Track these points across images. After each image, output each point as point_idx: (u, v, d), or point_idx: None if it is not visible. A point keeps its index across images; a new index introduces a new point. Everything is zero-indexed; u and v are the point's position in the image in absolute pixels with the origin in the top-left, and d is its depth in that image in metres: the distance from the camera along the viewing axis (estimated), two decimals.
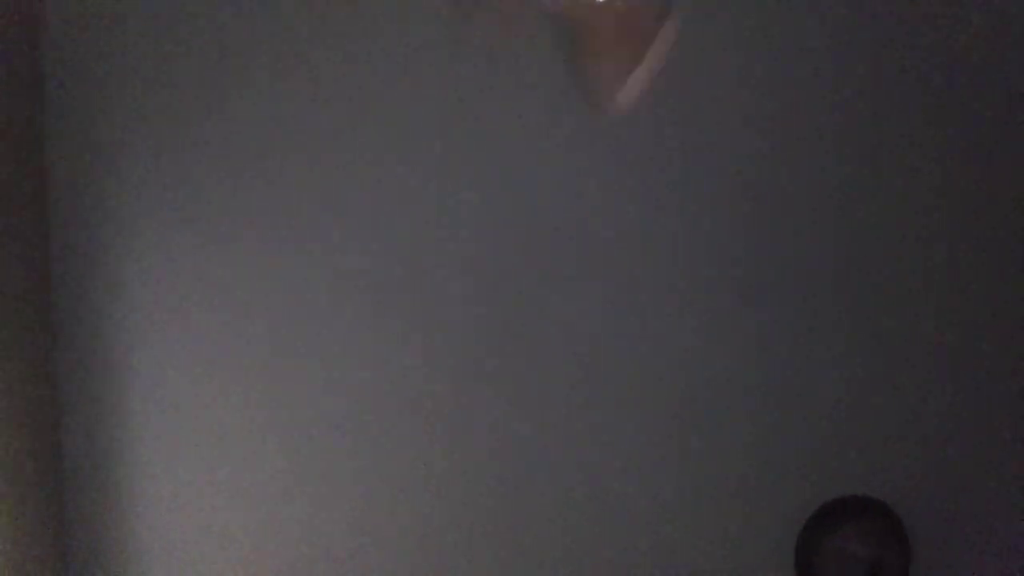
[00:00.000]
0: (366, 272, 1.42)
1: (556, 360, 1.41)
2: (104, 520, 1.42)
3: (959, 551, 1.40)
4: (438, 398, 1.42)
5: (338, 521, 1.43)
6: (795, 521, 1.41)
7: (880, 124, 1.40)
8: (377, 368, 1.42)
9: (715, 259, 1.40)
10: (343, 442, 1.43)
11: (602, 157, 1.41)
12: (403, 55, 1.39)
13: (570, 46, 0.97)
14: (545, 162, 1.41)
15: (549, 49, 1.36)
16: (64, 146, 1.39)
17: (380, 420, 1.42)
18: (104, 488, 1.42)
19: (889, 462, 1.41)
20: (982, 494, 1.41)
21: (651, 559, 1.42)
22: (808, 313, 1.41)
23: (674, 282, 1.40)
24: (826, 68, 1.40)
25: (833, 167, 1.40)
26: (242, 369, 1.42)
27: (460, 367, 1.41)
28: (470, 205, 1.41)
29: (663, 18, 0.92)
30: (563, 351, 1.41)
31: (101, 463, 1.42)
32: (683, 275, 1.40)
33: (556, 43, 1.35)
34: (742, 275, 1.40)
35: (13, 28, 1.30)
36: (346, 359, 1.42)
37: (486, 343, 1.41)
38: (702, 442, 1.41)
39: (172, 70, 1.39)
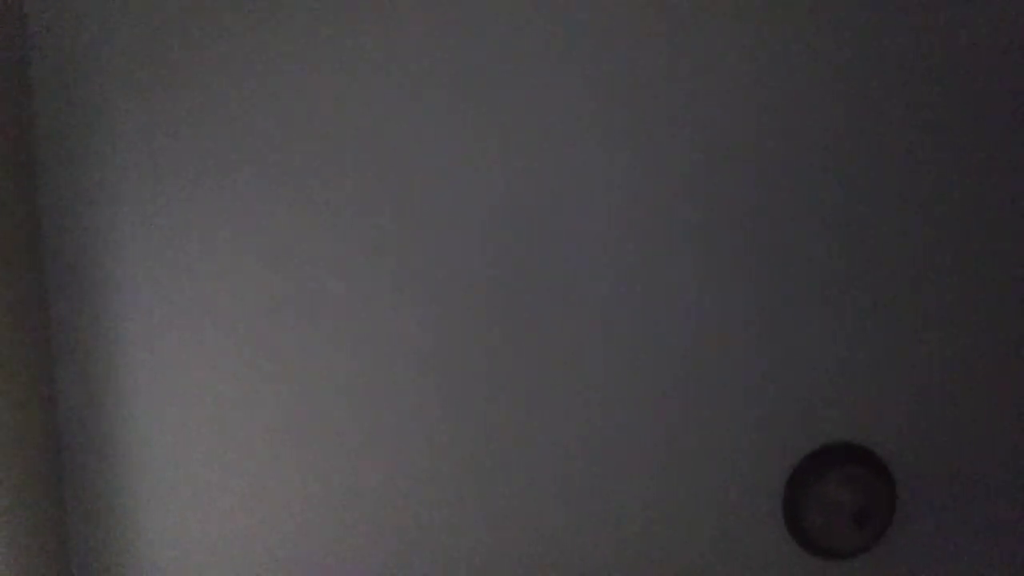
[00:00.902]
0: (372, 263, 1.42)
1: (557, 330, 1.42)
2: (105, 517, 1.42)
3: (945, 497, 1.44)
4: (444, 392, 1.42)
5: (342, 515, 1.44)
6: (783, 471, 1.43)
7: (882, 110, 1.41)
8: (384, 358, 1.42)
9: (720, 217, 1.41)
10: (349, 436, 1.43)
11: (607, 147, 1.41)
12: (407, 40, 1.39)
13: None
14: (550, 153, 1.41)
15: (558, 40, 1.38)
16: (55, 138, 1.39)
17: (387, 412, 1.43)
18: (105, 480, 1.42)
19: (877, 410, 1.42)
20: (969, 442, 1.44)
21: (638, 514, 1.44)
22: (796, 262, 1.42)
23: (674, 240, 1.41)
24: (830, 67, 1.40)
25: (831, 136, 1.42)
26: (244, 357, 1.42)
27: (465, 351, 1.42)
28: (471, 191, 1.41)
29: None
30: (563, 320, 1.42)
31: (101, 453, 1.42)
32: (684, 232, 1.41)
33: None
34: (744, 231, 1.41)
35: None
36: (354, 352, 1.42)
37: (490, 324, 1.42)
38: (688, 395, 1.42)
39: (170, 69, 1.39)
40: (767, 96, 1.41)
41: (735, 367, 1.43)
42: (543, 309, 1.43)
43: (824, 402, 1.43)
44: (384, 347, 1.43)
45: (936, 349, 1.44)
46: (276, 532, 1.44)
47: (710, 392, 1.44)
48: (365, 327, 1.43)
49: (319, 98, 1.39)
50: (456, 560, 1.47)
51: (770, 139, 1.41)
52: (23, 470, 1.33)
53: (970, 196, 1.42)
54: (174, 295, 1.41)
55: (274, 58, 1.38)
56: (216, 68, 1.39)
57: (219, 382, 1.42)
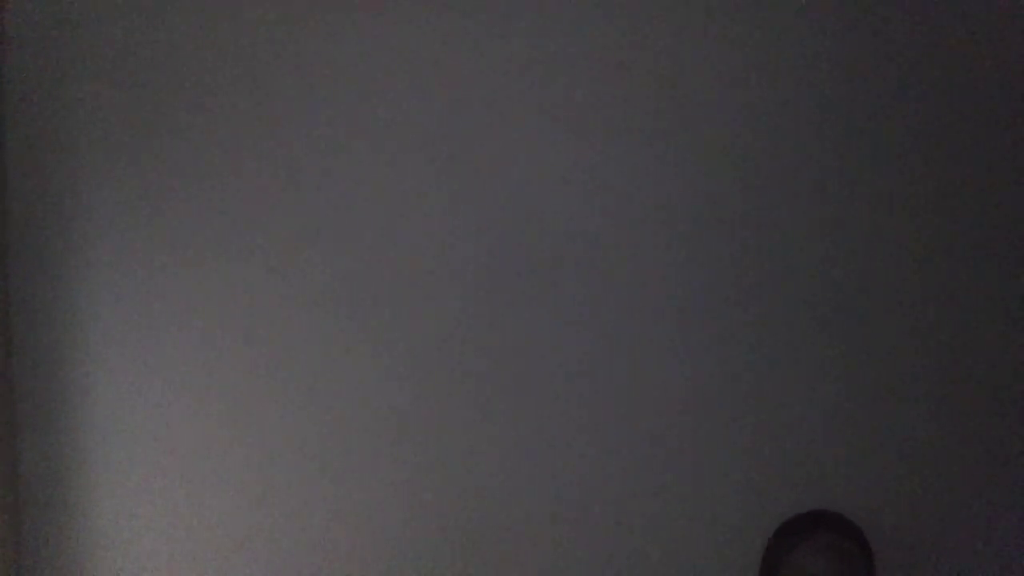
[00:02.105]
0: (347, 279, 1.40)
1: (539, 368, 1.40)
2: (61, 540, 1.39)
3: (923, 567, 1.43)
4: (423, 410, 1.40)
5: (311, 539, 1.41)
6: (759, 538, 1.42)
7: (878, 118, 1.40)
8: (356, 381, 1.40)
9: (697, 271, 1.41)
10: (319, 457, 1.41)
11: (596, 157, 1.39)
12: (395, 51, 1.36)
13: None
14: (535, 165, 1.39)
15: (551, 49, 1.36)
16: (22, 150, 1.35)
17: (359, 436, 1.40)
18: (63, 506, 1.39)
19: (853, 478, 1.42)
20: (947, 511, 1.43)
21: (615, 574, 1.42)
22: (779, 329, 1.42)
23: (649, 289, 1.40)
24: (823, 69, 1.39)
25: (825, 176, 1.41)
26: (211, 378, 1.39)
27: (445, 375, 1.40)
28: (455, 210, 1.39)
29: None
30: (546, 359, 1.40)
31: (60, 479, 1.38)
32: (659, 283, 1.40)
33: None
34: (723, 287, 1.41)
35: None
36: (325, 370, 1.40)
37: (472, 349, 1.40)
38: (664, 466, 1.41)
39: (142, 73, 1.35)
40: (765, 107, 1.39)
41: (712, 438, 1.42)
42: (528, 344, 1.39)
43: (800, 471, 1.42)
44: (364, 358, 1.39)
45: (913, 417, 1.43)
46: (243, 553, 1.41)
47: (689, 458, 1.42)
48: (349, 353, 1.38)
49: (305, 111, 1.36)
50: None
51: (762, 156, 1.40)
52: None
53: (954, 241, 1.41)
54: (144, 310, 1.37)
55: (255, 69, 1.35)
56: (192, 77, 1.36)
57: (192, 401, 1.38)
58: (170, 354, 1.37)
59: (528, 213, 1.39)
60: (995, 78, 1.40)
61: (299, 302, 1.39)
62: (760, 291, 1.40)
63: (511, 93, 1.37)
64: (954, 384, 1.42)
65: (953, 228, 1.41)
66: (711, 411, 1.41)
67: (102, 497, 1.38)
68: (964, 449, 1.43)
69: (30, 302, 1.36)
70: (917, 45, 1.39)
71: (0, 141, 1.33)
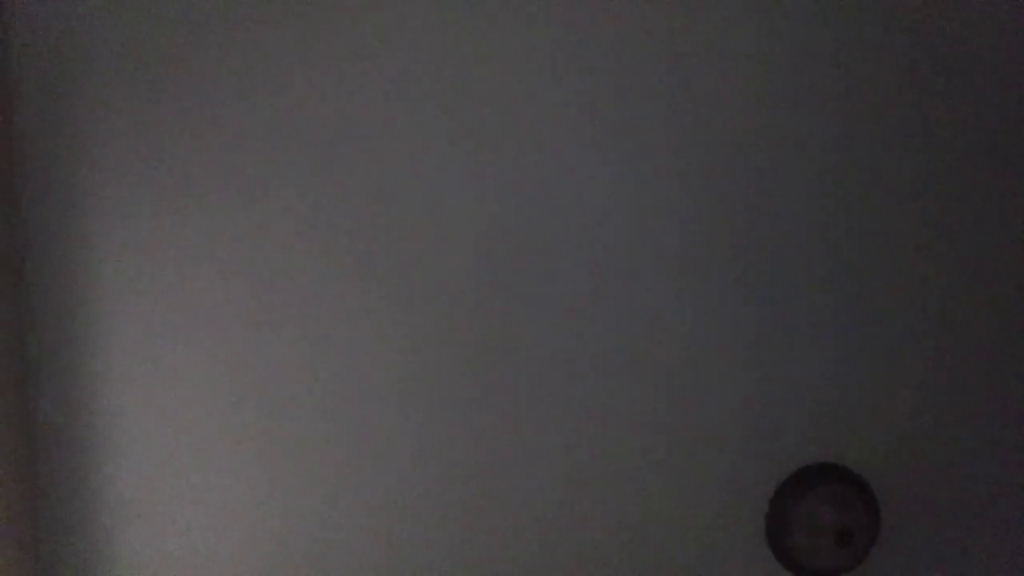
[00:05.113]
0: (358, 261, 1.40)
1: (545, 339, 1.41)
2: (79, 523, 1.40)
3: (927, 518, 1.44)
4: (427, 405, 1.41)
5: (321, 522, 1.42)
6: (766, 489, 1.43)
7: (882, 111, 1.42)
8: (366, 361, 1.41)
9: (710, 232, 1.41)
10: (331, 439, 1.42)
11: (602, 142, 1.41)
12: (398, 42, 1.38)
13: None
14: (545, 151, 1.41)
15: (553, 44, 1.38)
16: (37, 143, 1.38)
17: (369, 418, 1.41)
18: (81, 477, 1.40)
19: (861, 431, 1.43)
20: (953, 464, 1.44)
21: (621, 533, 1.43)
22: (783, 286, 1.42)
23: (664, 253, 1.41)
24: (828, 65, 1.40)
25: (829, 126, 1.42)
26: (225, 366, 1.40)
27: (451, 362, 1.41)
28: (464, 189, 1.39)
29: None
30: (551, 329, 1.41)
31: (76, 453, 1.40)
32: (674, 246, 1.41)
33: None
34: (734, 249, 1.41)
35: None
36: (341, 321, 1.40)
37: (478, 324, 1.41)
38: (673, 414, 1.42)
39: (156, 77, 1.37)
40: (765, 103, 1.41)
41: (721, 388, 1.43)
42: (532, 328, 1.41)
43: (808, 423, 1.43)
44: (368, 357, 1.41)
45: (921, 371, 1.44)
46: (255, 545, 1.42)
47: (696, 411, 1.43)
48: (349, 338, 1.40)
49: (307, 106, 1.38)
50: (434, 570, 1.45)
51: (763, 146, 1.41)
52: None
53: (958, 211, 1.42)
54: (155, 305, 1.39)
55: (264, 64, 1.37)
56: (204, 74, 1.37)
57: (202, 395, 1.40)
58: (179, 307, 1.39)
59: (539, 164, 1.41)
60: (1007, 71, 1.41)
61: (312, 250, 1.39)
62: (766, 242, 1.41)
63: (515, 93, 1.39)
64: (962, 337, 1.42)
65: (962, 168, 1.41)
66: (719, 363, 1.42)
67: (121, 445, 1.40)
68: (971, 402, 1.43)
69: (47, 298, 1.39)
70: (927, 43, 1.40)
71: (15, 139, 1.35)
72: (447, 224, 1.40)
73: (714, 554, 1.43)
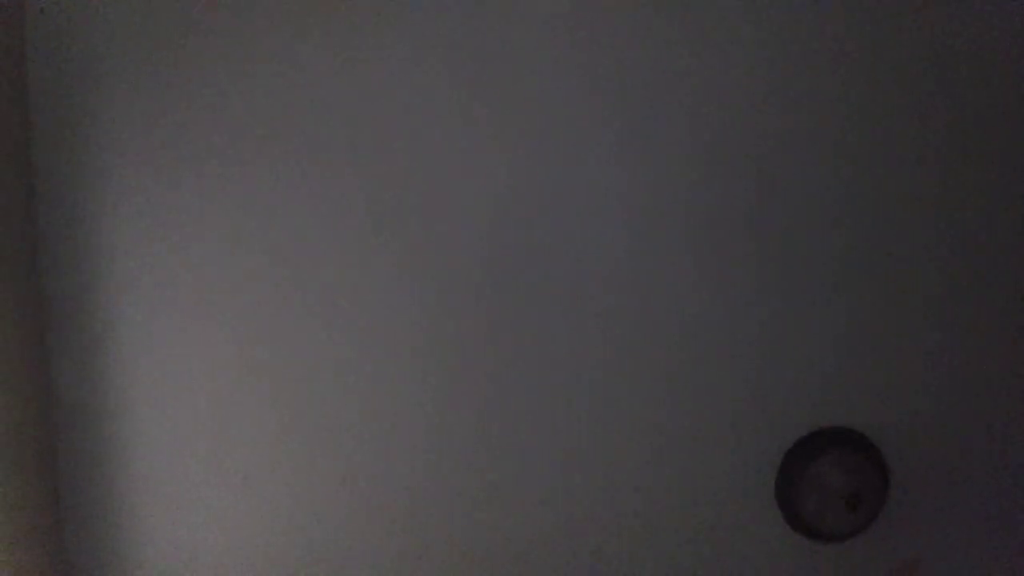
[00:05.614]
0: (371, 248, 1.42)
1: (555, 316, 1.42)
2: (100, 505, 1.42)
3: (937, 482, 1.45)
4: (441, 389, 1.43)
5: (341, 512, 1.44)
6: (776, 455, 1.44)
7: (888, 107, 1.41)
8: (379, 342, 1.42)
9: (718, 194, 1.41)
10: (347, 433, 1.44)
11: (611, 133, 1.41)
12: (409, 37, 1.38)
13: None
14: (555, 140, 1.41)
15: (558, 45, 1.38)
16: (52, 137, 1.39)
17: (381, 400, 1.43)
18: (101, 481, 1.42)
19: (870, 395, 1.44)
20: (962, 428, 1.45)
21: (633, 499, 1.45)
22: (793, 251, 1.42)
23: (664, 222, 1.42)
24: (833, 64, 1.39)
25: (833, 101, 1.41)
26: (242, 353, 1.42)
27: (463, 347, 1.42)
28: (473, 188, 1.40)
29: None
30: (561, 307, 1.42)
31: (96, 454, 1.42)
32: (673, 215, 1.42)
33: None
34: (745, 219, 1.42)
35: None
36: (352, 350, 1.42)
37: (489, 305, 1.42)
38: (682, 381, 1.43)
39: (169, 66, 1.38)
40: (769, 98, 1.41)
41: (730, 353, 1.44)
42: (541, 302, 1.43)
43: (818, 386, 1.44)
44: (383, 343, 1.43)
45: (929, 335, 1.44)
46: (273, 532, 1.44)
47: (704, 378, 1.44)
48: (364, 323, 1.42)
49: (321, 93, 1.39)
50: (453, 556, 1.47)
51: (769, 137, 1.42)
52: (20, 473, 1.33)
53: (967, 190, 1.42)
54: (172, 291, 1.41)
55: (276, 53, 1.38)
56: (215, 63, 1.38)
57: (217, 378, 1.42)
58: (195, 290, 1.40)
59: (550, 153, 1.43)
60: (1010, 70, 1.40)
61: (326, 235, 1.41)
62: (773, 208, 1.41)
63: (525, 88, 1.40)
64: (973, 302, 1.43)
65: (970, 138, 1.41)
66: (730, 327, 1.42)
67: (140, 426, 1.41)
68: (981, 365, 1.44)
69: (64, 288, 1.40)
70: (934, 42, 1.39)
71: (30, 130, 1.37)
72: (458, 211, 1.41)
73: (724, 518, 1.45)
